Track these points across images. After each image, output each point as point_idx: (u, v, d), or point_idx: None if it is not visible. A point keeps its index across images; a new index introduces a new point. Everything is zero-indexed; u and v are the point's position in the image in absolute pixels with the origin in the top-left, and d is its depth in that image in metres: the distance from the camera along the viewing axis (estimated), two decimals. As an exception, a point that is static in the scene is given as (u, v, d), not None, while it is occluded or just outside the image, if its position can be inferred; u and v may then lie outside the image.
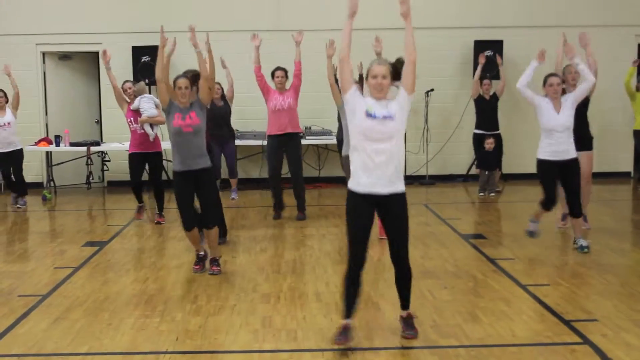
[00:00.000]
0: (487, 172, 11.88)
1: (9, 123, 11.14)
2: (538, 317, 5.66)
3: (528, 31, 13.18)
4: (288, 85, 9.87)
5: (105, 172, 13.44)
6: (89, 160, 12.60)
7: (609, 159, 13.12)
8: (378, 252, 7.73)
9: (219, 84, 11.62)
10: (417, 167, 13.39)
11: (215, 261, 7.17)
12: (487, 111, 12.16)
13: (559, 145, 7.48)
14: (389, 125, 4.88)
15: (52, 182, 12.85)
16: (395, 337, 5.23)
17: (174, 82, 6.94)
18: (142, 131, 9.45)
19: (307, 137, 12.45)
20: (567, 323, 5.47)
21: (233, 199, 11.83)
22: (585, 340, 5.10)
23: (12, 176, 11.35)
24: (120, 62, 12.82)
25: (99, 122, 13.73)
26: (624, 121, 12.88)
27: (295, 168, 9.90)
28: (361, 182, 4.95)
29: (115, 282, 6.93)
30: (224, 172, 11.99)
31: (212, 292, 6.44)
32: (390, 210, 5.02)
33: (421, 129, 13.26)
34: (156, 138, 9.61)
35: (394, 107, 4.93)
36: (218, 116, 11.47)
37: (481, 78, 12.22)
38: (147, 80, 12.06)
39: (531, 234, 8.02)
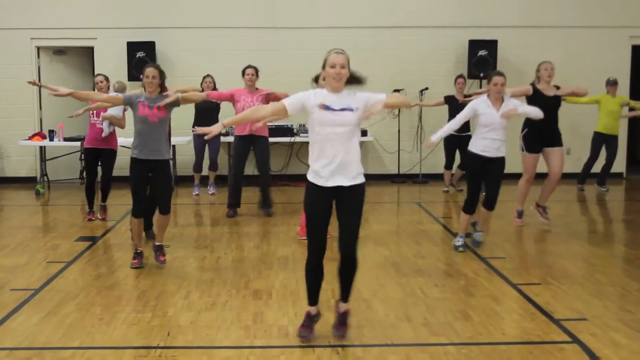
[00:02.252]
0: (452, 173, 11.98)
1: None
2: (528, 315, 5.68)
3: (523, 31, 13.26)
4: (258, 84, 9.77)
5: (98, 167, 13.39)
6: (83, 155, 12.58)
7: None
8: (372, 249, 7.75)
9: (211, 77, 11.66)
10: (410, 166, 13.43)
11: (160, 248, 7.23)
12: (459, 112, 12.02)
13: (492, 143, 7.56)
14: (348, 116, 4.87)
15: (45, 177, 12.83)
16: (385, 335, 5.25)
17: (143, 70, 7.06)
18: (101, 126, 9.40)
19: (301, 135, 12.47)
20: (556, 322, 5.49)
21: (212, 193, 11.84)
22: (575, 339, 5.12)
23: None
24: (115, 57, 12.88)
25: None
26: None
27: (263, 166, 9.87)
28: (320, 173, 4.95)
29: (108, 277, 6.93)
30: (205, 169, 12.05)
31: (204, 288, 6.45)
32: (345, 200, 5.00)
33: (415, 128, 13.30)
34: (113, 135, 9.52)
35: (357, 101, 4.92)
36: (206, 110, 11.50)
37: (459, 77, 12.14)
38: (140, 76, 12.03)
39: (457, 247, 7.87)
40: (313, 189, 5.02)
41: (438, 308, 5.87)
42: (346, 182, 4.96)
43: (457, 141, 11.93)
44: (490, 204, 7.80)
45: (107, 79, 9.69)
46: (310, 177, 5.03)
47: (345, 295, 5.23)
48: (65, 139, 12.38)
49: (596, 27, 13.36)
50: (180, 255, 7.71)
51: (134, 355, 4.85)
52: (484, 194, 7.94)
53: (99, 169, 9.74)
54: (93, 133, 9.45)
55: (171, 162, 7.31)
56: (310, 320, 5.19)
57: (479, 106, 7.59)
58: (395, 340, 5.16)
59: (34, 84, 8.41)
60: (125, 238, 8.72)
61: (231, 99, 9.66)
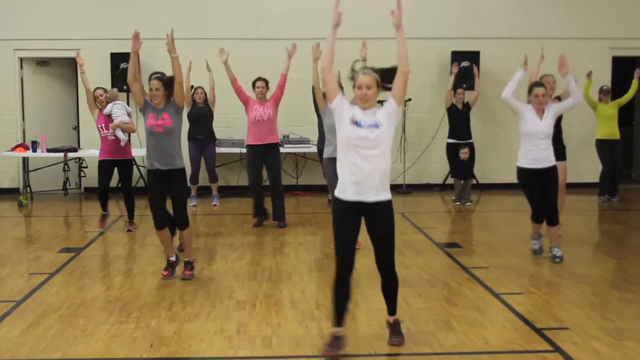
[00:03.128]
0: (462, 182, 11.97)
1: None
2: (511, 325, 5.71)
3: (505, 42, 13.33)
4: (269, 95, 9.85)
5: (82, 179, 13.37)
6: (66, 166, 12.53)
7: (584, 169, 13.27)
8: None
9: (202, 88, 11.68)
10: (394, 176, 13.43)
11: (189, 264, 7.20)
12: (459, 121, 12.26)
13: (539, 152, 7.57)
14: (375, 133, 4.90)
15: (28, 188, 12.75)
16: (369, 346, 5.26)
17: (149, 82, 7.03)
18: (113, 138, 9.40)
19: (285, 146, 12.48)
20: (538, 331, 5.52)
21: (215, 205, 11.82)
22: (556, 349, 5.15)
23: None
24: (98, 68, 12.82)
25: (77, 128, 13.67)
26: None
27: (275, 178, 9.91)
28: (347, 190, 4.97)
29: (91, 288, 6.90)
30: (203, 180, 12.01)
31: (187, 299, 6.43)
32: (376, 219, 5.03)
33: (398, 138, 13.33)
34: (127, 145, 9.56)
35: (381, 115, 4.96)
36: (198, 116, 11.54)
37: (455, 87, 12.34)
38: (125, 87, 12.08)
39: (536, 252, 8.06)
40: (340, 203, 5.03)
41: (421, 318, 5.88)
42: (374, 198, 4.96)
43: (459, 148, 12.00)
44: (551, 220, 7.77)
45: (105, 90, 9.75)
46: (338, 193, 5.05)
47: (392, 310, 5.30)
48: (49, 150, 12.32)
49: (577, 39, 13.45)
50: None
51: (116, 367, 4.85)
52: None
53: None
54: (106, 146, 9.48)
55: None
56: (337, 343, 5.03)
57: (524, 109, 7.58)
58: (379, 350, 5.17)
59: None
60: (109, 249, 8.71)
61: (246, 104, 9.75)
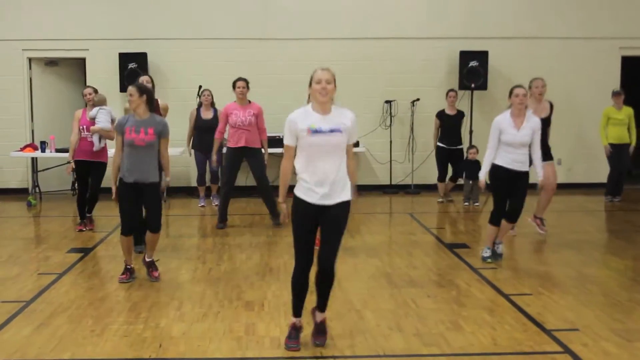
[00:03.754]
0: (470, 182, 11.94)
1: None
2: (520, 326, 5.70)
3: (513, 42, 13.32)
4: (276, 96, 9.79)
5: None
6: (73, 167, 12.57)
7: (592, 170, 13.24)
8: (364, 262, 7.77)
9: (209, 90, 11.68)
10: (402, 177, 13.44)
11: (152, 265, 7.22)
12: (449, 126, 12.08)
13: (516, 157, 7.56)
14: (336, 137, 4.96)
15: (37, 188, 12.78)
16: (377, 345, 5.26)
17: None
18: (92, 140, 9.43)
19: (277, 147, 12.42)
20: (548, 332, 5.51)
21: (216, 205, 11.83)
22: (566, 350, 5.14)
23: None
24: (107, 68, 12.87)
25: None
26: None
27: (261, 178, 9.88)
28: (307, 190, 5.01)
29: (100, 288, 6.92)
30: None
31: (196, 299, 6.44)
32: (331, 216, 5.05)
33: (407, 139, 13.33)
34: (104, 149, 9.59)
35: (345, 121, 5.01)
36: (205, 127, 11.53)
37: (451, 90, 12.25)
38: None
39: (485, 259, 7.89)
40: (301, 204, 5.06)
41: (430, 318, 5.88)
42: (332, 201, 5.02)
43: (448, 154, 12.02)
44: (513, 217, 7.79)
45: (95, 91, 9.74)
46: (299, 193, 5.07)
47: (322, 306, 5.32)
48: (57, 150, 12.35)
49: (586, 39, 13.43)
50: (173, 266, 7.70)
51: (126, 367, 4.86)
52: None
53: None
54: (83, 146, 9.50)
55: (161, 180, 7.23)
56: (296, 332, 5.25)
57: (502, 124, 7.56)
58: (387, 350, 5.17)
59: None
60: (117, 249, 8.69)
61: (226, 120, 9.69)
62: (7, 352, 5.17)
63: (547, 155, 8.68)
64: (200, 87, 12.02)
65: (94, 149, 9.40)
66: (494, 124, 7.63)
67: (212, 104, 11.71)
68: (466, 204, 11.89)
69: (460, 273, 7.42)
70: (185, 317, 5.93)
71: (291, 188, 5.10)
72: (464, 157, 12.11)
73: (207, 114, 11.64)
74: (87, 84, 13.15)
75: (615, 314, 5.99)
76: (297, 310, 5.28)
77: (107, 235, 9.47)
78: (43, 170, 12.93)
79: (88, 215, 9.80)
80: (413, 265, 7.75)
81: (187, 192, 12.98)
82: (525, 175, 7.62)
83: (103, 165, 9.68)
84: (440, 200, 12.16)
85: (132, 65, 12.76)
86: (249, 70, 11.28)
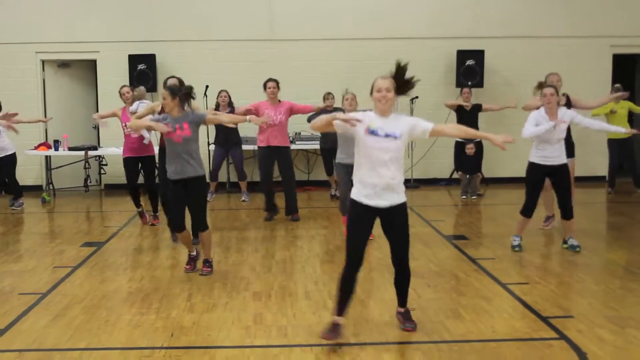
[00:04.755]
0: (468, 176, 11.95)
1: None
2: (517, 314, 5.71)
3: (508, 41, 13.32)
4: (280, 96, 9.79)
5: (102, 176, 13.45)
6: (87, 164, 12.63)
7: (586, 164, 13.23)
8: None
9: (226, 91, 11.63)
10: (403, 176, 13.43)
11: (207, 262, 7.18)
12: (466, 121, 12.12)
13: (551, 152, 7.56)
14: (392, 143, 4.92)
15: (51, 185, 12.81)
16: (380, 333, 5.28)
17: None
18: (136, 136, 9.35)
19: (296, 142, 12.48)
20: (544, 320, 5.52)
21: (244, 200, 11.83)
22: (562, 336, 5.15)
23: (7, 180, 11.32)
24: (117, 69, 12.89)
25: (97, 127, 13.68)
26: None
27: (287, 175, 9.88)
28: (363, 193, 4.99)
29: (113, 280, 6.93)
30: (222, 176, 12.05)
31: (205, 291, 6.46)
32: (392, 220, 5.07)
33: (406, 135, 13.32)
34: (150, 142, 9.53)
35: (402, 127, 4.96)
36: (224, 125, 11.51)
37: (460, 87, 12.28)
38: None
39: (514, 247, 7.95)
40: (357, 205, 5.04)
41: (430, 308, 5.89)
42: (388, 203, 5.00)
43: (465, 146, 11.99)
44: (566, 213, 7.74)
45: (132, 89, 9.71)
46: (354, 195, 5.06)
47: (403, 302, 5.39)
48: (70, 149, 12.38)
49: (578, 37, 13.42)
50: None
51: (139, 356, 4.87)
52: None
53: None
54: (129, 143, 9.39)
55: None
56: (335, 330, 5.05)
57: (539, 119, 7.53)
58: (390, 338, 5.18)
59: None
60: (129, 243, 8.73)
61: (256, 112, 9.64)
62: (26, 342, 5.19)
63: (569, 152, 8.51)
64: (207, 87, 12.00)
65: (145, 141, 9.32)
66: (531, 116, 7.58)
67: (229, 104, 11.66)
68: (464, 197, 11.89)
69: (459, 264, 7.43)
70: (195, 308, 5.95)
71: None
72: (482, 150, 12.12)
73: (225, 111, 11.64)
74: (98, 85, 13.24)
75: (609, 302, 6.00)
76: (341, 309, 5.13)
77: (119, 229, 9.49)
78: (56, 168, 12.96)
79: (155, 214, 9.70)
80: (413, 256, 7.67)
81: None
82: (564, 167, 7.61)
83: (152, 159, 9.54)
84: (464, 196, 11.97)
85: (141, 67, 12.78)
86: (255, 71, 11.28)
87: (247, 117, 7.65)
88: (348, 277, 5.07)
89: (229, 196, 12.51)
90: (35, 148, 12.54)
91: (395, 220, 5.07)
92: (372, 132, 4.92)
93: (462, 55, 12.98)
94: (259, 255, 7.91)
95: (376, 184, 4.94)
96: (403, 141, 4.96)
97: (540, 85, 7.79)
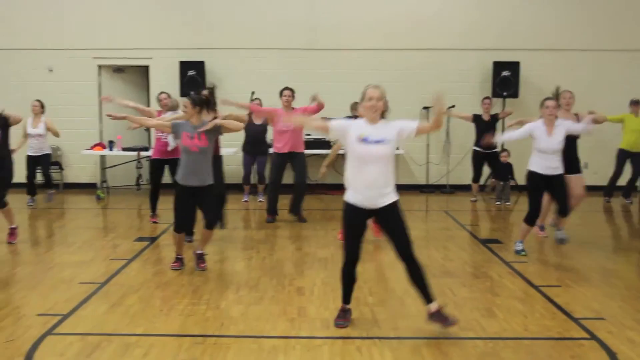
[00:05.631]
0: (502, 183, 11.95)
1: (40, 135, 11.38)
2: (549, 314, 5.75)
3: (543, 54, 13.29)
4: (295, 104, 9.87)
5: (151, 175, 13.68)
6: (139, 163, 12.90)
7: (627, 174, 13.13)
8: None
9: (259, 99, 11.78)
10: (438, 177, 13.50)
11: (201, 257, 7.31)
12: (485, 130, 12.08)
13: (549, 162, 7.61)
14: (382, 148, 5.06)
15: (105, 183, 13.10)
16: (418, 329, 5.36)
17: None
18: (166, 140, 9.61)
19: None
20: (575, 320, 5.56)
21: (260, 201, 12.03)
22: (593, 336, 5.19)
23: (42, 175, 11.65)
24: (168, 75, 13.15)
25: (148, 129, 13.97)
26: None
27: (301, 178, 9.96)
28: (356, 196, 5.15)
29: (165, 273, 7.10)
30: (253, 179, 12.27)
31: (252, 284, 6.60)
32: (387, 220, 5.21)
33: (442, 142, 13.38)
34: (177, 147, 9.76)
35: (390, 132, 5.11)
36: (255, 134, 11.70)
37: (485, 97, 12.25)
38: (192, 92, 12.32)
39: (518, 252, 7.94)
40: (351, 208, 5.19)
41: (466, 306, 5.96)
42: (381, 204, 5.14)
43: (484, 157, 11.99)
44: (563, 211, 7.81)
45: (169, 96, 9.92)
46: (348, 198, 5.21)
47: (427, 298, 5.33)
48: (123, 149, 12.66)
49: (616, 50, 13.33)
50: (230, 255, 7.88)
51: (192, 342, 5.02)
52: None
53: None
54: (159, 146, 9.62)
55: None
56: (345, 315, 5.41)
57: (535, 131, 7.61)
58: (427, 333, 5.26)
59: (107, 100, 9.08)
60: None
61: (270, 115, 9.81)
62: (87, 326, 5.39)
63: (575, 168, 8.59)
64: (253, 92, 12.16)
65: (169, 148, 9.57)
66: (526, 126, 7.70)
67: None
68: (498, 203, 11.90)
69: (493, 266, 7.47)
70: (243, 300, 6.09)
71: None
72: (498, 159, 12.11)
73: (257, 120, 11.79)
74: (150, 89, 13.51)
75: (638, 305, 6.01)
76: (347, 298, 5.48)
77: (169, 226, 9.66)
78: (110, 167, 13.25)
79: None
80: (449, 257, 7.83)
81: (240, 188, 13.16)
82: (560, 177, 7.66)
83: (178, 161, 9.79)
84: (474, 199, 12.16)
85: (191, 73, 13.02)
86: (296, 79, 11.43)
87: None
88: (347, 271, 5.35)
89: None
90: (91, 148, 12.84)
91: (390, 220, 5.20)
92: (364, 140, 5.06)
93: (498, 66, 12.99)
94: (301, 253, 8.04)
95: (367, 187, 5.09)
96: (392, 146, 5.11)
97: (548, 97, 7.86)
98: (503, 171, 12.01)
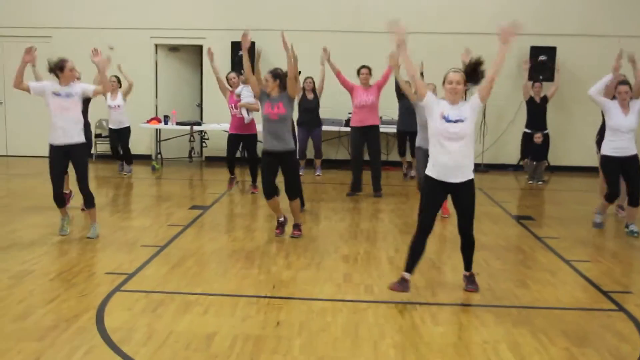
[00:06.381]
0: (535, 163, 11.94)
1: (118, 106, 11.61)
2: (579, 287, 5.84)
3: (580, 39, 13.13)
4: (372, 81, 10.02)
5: (204, 149, 13.98)
6: (192, 137, 13.16)
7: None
8: (441, 227, 7.97)
9: (311, 78, 11.93)
10: (474, 156, 13.48)
11: (297, 226, 7.52)
12: (536, 113, 12.13)
13: (621, 143, 7.58)
14: (461, 126, 5.20)
15: (159, 155, 13.40)
16: (456, 295, 5.50)
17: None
18: (241, 116, 9.82)
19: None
20: (605, 293, 5.64)
21: (318, 175, 12.18)
22: (620, 308, 5.27)
23: (120, 149, 11.89)
24: (220, 55, 13.23)
25: (200, 105, 14.25)
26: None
27: (375, 154, 10.09)
28: (437, 171, 5.30)
29: (218, 239, 7.32)
30: (310, 154, 12.37)
31: (300, 252, 6.79)
32: (460, 194, 5.36)
33: (479, 123, 13.36)
34: (252, 122, 9.96)
35: (467, 110, 5.25)
36: (308, 108, 11.85)
37: (532, 80, 12.27)
38: (242, 72, 12.52)
39: (598, 225, 8.10)
40: (430, 181, 5.37)
41: (500, 277, 6.07)
42: (459, 179, 5.30)
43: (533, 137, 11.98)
44: (634, 201, 7.76)
45: (238, 75, 10.13)
46: (429, 172, 5.39)
47: (468, 266, 5.66)
48: (178, 123, 12.92)
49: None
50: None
51: (247, 302, 5.23)
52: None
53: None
54: (235, 122, 9.95)
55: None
56: (403, 283, 5.40)
57: (611, 106, 7.58)
58: (464, 300, 5.41)
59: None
60: (230, 208, 9.16)
61: (351, 91, 9.95)
62: (151, 285, 5.63)
63: None
64: (299, 72, 12.26)
65: (245, 121, 9.77)
66: (605, 100, 7.69)
67: (313, 89, 11.97)
68: (531, 182, 11.90)
69: (525, 240, 7.55)
70: (292, 266, 6.29)
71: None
72: (548, 140, 12.09)
73: (310, 96, 11.94)
74: (203, 68, 13.70)
75: (666, 282, 6.07)
76: (410, 267, 5.44)
77: (221, 196, 9.93)
78: (165, 140, 13.53)
79: (254, 184, 10.12)
80: (483, 232, 7.91)
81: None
82: (633, 158, 7.62)
83: (254, 137, 10.10)
84: (531, 182, 11.96)
85: (241, 53, 13.12)
86: (345, 61, 11.47)
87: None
88: (418, 241, 5.41)
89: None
90: (148, 122, 13.12)
91: (462, 195, 5.35)
92: (445, 118, 5.21)
93: (535, 51, 12.88)
94: (345, 224, 8.21)
95: (447, 162, 5.24)
96: (470, 122, 5.25)
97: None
98: (537, 152, 11.98)
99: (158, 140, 13.42)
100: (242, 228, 7.88)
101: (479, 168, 13.26)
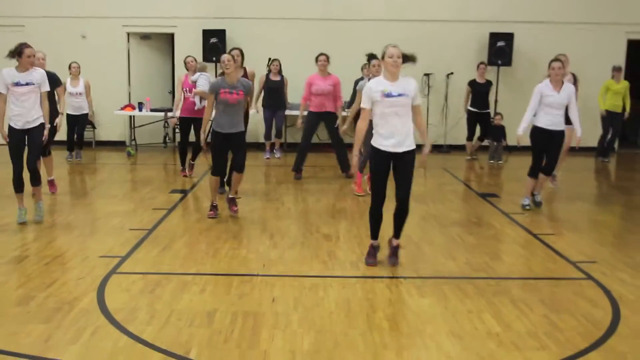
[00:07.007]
0: (495, 143, 12.17)
1: (80, 93, 11.46)
2: (549, 258, 6.03)
3: (535, 26, 13.37)
4: (329, 69, 10.00)
5: (176, 134, 13.83)
6: (166, 123, 13.03)
7: (594, 136, 13.37)
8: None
9: (278, 60, 11.94)
10: (436, 138, 13.66)
11: (233, 200, 7.59)
12: (478, 93, 12.20)
13: (554, 118, 7.70)
14: (404, 100, 5.40)
15: (134, 141, 13.25)
16: (436, 271, 5.64)
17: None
18: (193, 99, 9.72)
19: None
20: (573, 264, 5.84)
21: (278, 157, 12.22)
22: (589, 277, 5.47)
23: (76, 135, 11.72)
24: (191, 42, 13.18)
25: (172, 92, 14.09)
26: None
27: (338, 137, 10.05)
28: (383, 142, 5.46)
29: (204, 221, 7.31)
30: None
31: (284, 232, 6.84)
32: (401, 164, 5.51)
33: (441, 106, 13.55)
34: (202, 108, 9.91)
35: (411, 89, 5.44)
36: (273, 89, 11.85)
37: (487, 64, 12.41)
38: (214, 58, 12.49)
39: (526, 207, 8.09)
40: (377, 152, 5.48)
41: (475, 251, 6.22)
42: (402, 149, 5.43)
43: (478, 117, 12.20)
44: (548, 170, 8.01)
45: (195, 60, 10.03)
46: (375, 143, 5.49)
47: (398, 234, 5.78)
48: (152, 110, 12.79)
49: (595, 24, 13.43)
50: (258, 206, 8.11)
51: (240, 280, 5.28)
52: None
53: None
54: (186, 105, 9.76)
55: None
56: (374, 250, 5.74)
57: (544, 89, 7.70)
58: (445, 274, 5.54)
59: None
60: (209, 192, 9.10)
61: (310, 87, 9.89)
62: (145, 267, 5.63)
63: (568, 120, 8.76)
64: (269, 59, 12.24)
65: (195, 107, 9.68)
66: (536, 90, 7.74)
67: (280, 72, 11.97)
68: (491, 162, 12.13)
69: (494, 216, 7.73)
70: (278, 245, 6.33)
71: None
72: (491, 121, 12.32)
73: (275, 77, 11.93)
74: (175, 55, 13.57)
75: (626, 251, 6.29)
76: (375, 234, 5.76)
77: (199, 180, 9.89)
78: (139, 126, 13.37)
79: (192, 162, 10.04)
80: (454, 209, 8.08)
81: (256, 147, 13.34)
82: (560, 134, 7.78)
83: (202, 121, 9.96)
84: (468, 158, 12.37)
85: (213, 40, 13.07)
86: (311, 49, 11.51)
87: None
88: (375, 211, 5.66)
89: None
90: (122, 109, 12.96)
91: (402, 164, 5.49)
92: (387, 95, 5.37)
93: (494, 37, 13.08)
94: (322, 205, 8.27)
95: (393, 133, 5.41)
96: (411, 98, 5.43)
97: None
98: (496, 133, 12.21)
99: (132, 126, 13.26)
100: (225, 210, 7.84)
101: (441, 149, 13.48)
